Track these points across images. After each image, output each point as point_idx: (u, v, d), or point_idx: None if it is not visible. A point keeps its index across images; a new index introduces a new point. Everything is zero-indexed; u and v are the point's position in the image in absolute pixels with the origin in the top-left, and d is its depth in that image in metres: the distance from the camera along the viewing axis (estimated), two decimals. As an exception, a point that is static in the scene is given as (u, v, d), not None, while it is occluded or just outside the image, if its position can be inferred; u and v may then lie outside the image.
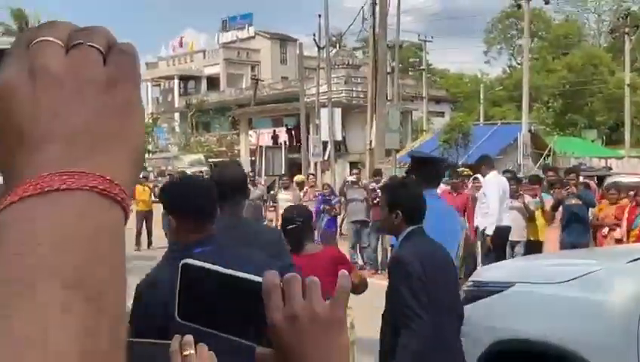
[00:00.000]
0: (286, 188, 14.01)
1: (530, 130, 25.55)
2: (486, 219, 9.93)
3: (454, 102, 48.09)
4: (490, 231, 9.89)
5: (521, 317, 4.64)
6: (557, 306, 4.51)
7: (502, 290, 4.77)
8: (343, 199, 13.10)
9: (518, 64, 51.06)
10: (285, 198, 13.55)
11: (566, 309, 4.46)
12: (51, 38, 0.48)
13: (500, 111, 46.33)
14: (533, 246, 9.98)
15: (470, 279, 5.44)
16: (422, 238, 3.45)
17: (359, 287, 4.24)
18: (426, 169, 4.49)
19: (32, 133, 0.46)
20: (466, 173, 11.93)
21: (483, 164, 10.49)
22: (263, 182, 20.14)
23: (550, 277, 4.71)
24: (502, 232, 10.01)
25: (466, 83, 58.34)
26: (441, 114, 42.96)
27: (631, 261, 4.63)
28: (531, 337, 4.45)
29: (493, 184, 9.97)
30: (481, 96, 45.67)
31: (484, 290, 4.90)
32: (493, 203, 9.83)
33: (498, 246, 10.15)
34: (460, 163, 21.18)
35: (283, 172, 23.00)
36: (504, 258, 10.43)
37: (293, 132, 31.80)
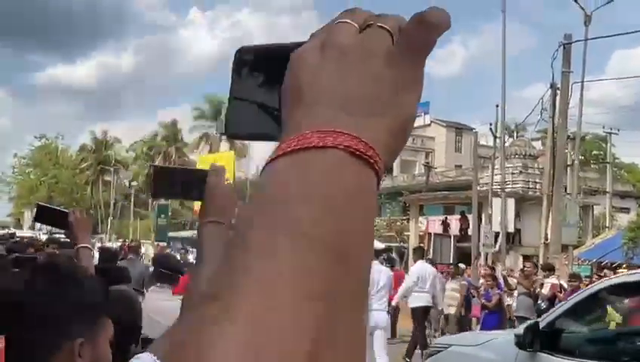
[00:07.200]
0: (452, 277, 13.62)
1: None
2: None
3: (642, 199, 44.85)
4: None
5: None
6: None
7: (443, 350, 7.15)
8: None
9: None
10: (451, 288, 13.16)
11: None
12: (348, 20, 0.54)
13: (696, 211, 42.44)
14: None
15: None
16: None
17: None
18: None
19: (309, 94, 0.50)
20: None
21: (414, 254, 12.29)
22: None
23: (472, 342, 6.95)
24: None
25: (656, 178, 54.35)
26: (626, 210, 40.18)
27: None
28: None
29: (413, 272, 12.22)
30: (673, 193, 42.21)
31: (437, 349, 7.37)
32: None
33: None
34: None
35: (451, 261, 22.51)
36: None
37: (465, 220, 31.19)
